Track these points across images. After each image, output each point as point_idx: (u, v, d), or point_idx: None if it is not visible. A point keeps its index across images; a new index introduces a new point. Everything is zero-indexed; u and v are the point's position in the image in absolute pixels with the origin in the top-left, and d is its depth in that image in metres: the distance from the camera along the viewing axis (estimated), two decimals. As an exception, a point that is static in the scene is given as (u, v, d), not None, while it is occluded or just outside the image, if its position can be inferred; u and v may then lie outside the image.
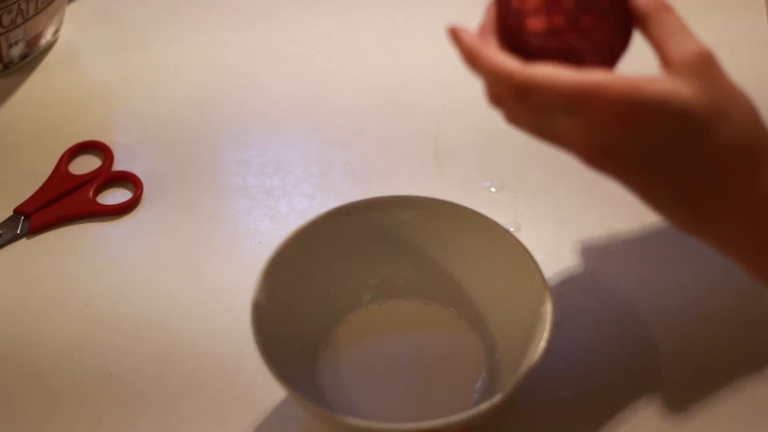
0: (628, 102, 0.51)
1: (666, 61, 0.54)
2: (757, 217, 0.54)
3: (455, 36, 0.56)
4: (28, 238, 0.85)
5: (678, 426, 0.71)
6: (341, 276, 0.76)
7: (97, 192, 0.88)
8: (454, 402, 0.71)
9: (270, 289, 0.71)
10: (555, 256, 0.81)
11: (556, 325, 0.69)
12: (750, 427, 0.71)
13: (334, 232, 0.75)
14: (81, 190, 0.88)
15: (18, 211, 0.87)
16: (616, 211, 0.83)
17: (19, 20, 0.95)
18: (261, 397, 0.73)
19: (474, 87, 0.96)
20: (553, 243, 0.82)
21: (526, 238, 0.74)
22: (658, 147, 0.52)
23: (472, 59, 0.56)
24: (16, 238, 0.85)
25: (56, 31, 1.02)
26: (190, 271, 0.82)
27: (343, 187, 0.88)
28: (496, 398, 0.65)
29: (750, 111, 0.55)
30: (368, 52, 1.00)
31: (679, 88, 0.52)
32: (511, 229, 0.73)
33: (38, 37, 0.99)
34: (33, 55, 1.00)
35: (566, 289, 0.78)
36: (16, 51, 0.98)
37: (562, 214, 0.84)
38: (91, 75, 1.01)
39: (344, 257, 0.76)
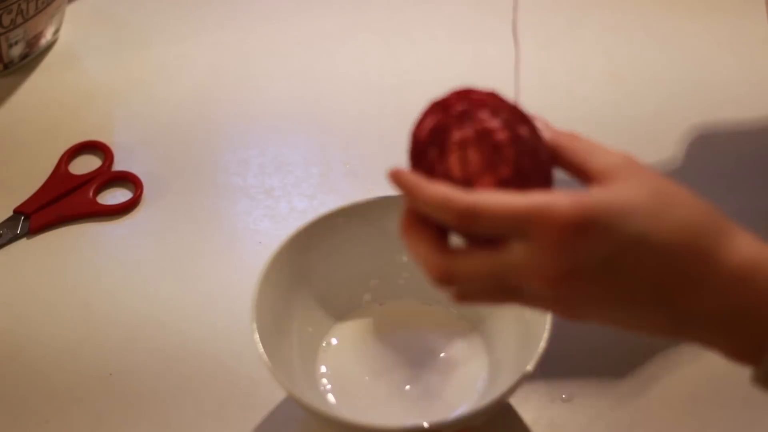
0: (575, 215, 0.51)
1: (590, 176, 0.54)
2: (729, 295, 0.53)
3: (396, 177, 0.55)
4: (28, 238, 0.85)
5: (678, 426, 0.71)
6: (341, 276, 0.76)
7: (97, 192, 0.88)
8: (454, 402, 0.71)
9: (270, 289, 0.71)
10: (555, 256, 0.80)
11: (556, 326, 0.69)
12: (750, 427, 0.71)
13: (334, 232, 0.75)
14: (81, 190, 0.88)
15: (18, 211, 0.87)
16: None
17: (19, 20, 0.95)
18: (261, 397, 0.73)
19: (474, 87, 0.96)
20: (553, 243, 0.82)
21: (526, 238, 0.74)
22: (616, 253, 0.52)
23: (415, 192, 0.54)
24: (16, 238, 0.85)
25: (56, 31, 1.02)
26: (190, 271, 0.82)
27: (343, 187, 0.88)
28: (496, 398, 0.65)
29: (689, 194, 0.54)
30: (368, 52, 1.00)
31: (618, 191, 0.52)
32: (511, 229, 0.73)
33: (38, 37, 0.99)
34: (33, 55, 1.00)
35: (566, 289, 0.78)
36: (16, 51, 0.98)
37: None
38: (91, 75, 1.01)
39: (344, 257, 0.76)
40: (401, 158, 0.90)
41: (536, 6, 1.03)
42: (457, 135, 0.54)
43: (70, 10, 1.04)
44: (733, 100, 0.93)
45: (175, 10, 1.06)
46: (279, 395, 0.73)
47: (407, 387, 0.72)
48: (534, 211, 0.51)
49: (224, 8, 1.06)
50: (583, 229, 0.51)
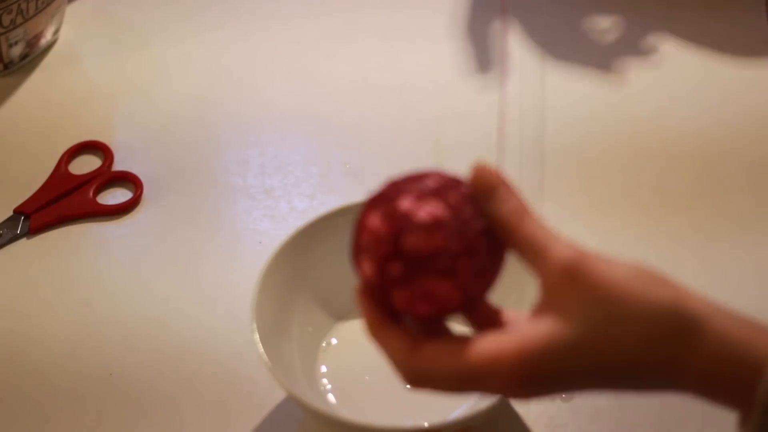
0: (522, 369, 0.49)
1: (539, 286, 0.52)
2: (705, 385, 0.51)
3: (360, 301, 0.54)
4: (28, 238, 0.85)
5: (678, 426, 0.71)
6: (341, 276, 0.76)
7: (97, 192, 0.88)
8: (454, 402, 0.71)
9: (270, 289, 0.71)
10: (555, 256, 0.80)
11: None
12: (750, 427, 0.71)
13: (334, 232, 0.75)
14: (81, 190, 0.88)
15: (18, 211, 0.87)
16: (616, 211, 0.83)
17: (19, 20, 0.95)
18: (261, 397, 0.73)
19: (474, 88, 0.97)
20: (553, 243, 0.82)
21: (526, 238, 0.74)
22: (570, 380, 0.51)
23: (370, 334, 0.55)
24: (16, 238, 0.85)
25: (56, 31, 1.02)
26: (190, 271, 0.82)
27: (343, 187, 0.88)
28: (496, 398, 0.65)
29: (637, 304, 0.50)
30: (368, 52, 1.00)
31: (557, 327, 0.50)
32: (511, 229, 0.73)
33: (38, 37, 0.99)
34: (33, 55, 1.00)
35: (566, 289, 0.78)
36: (16, 51, 0.98)
37: (562, 214, 0.84)
38: (91, 75, 1.01)
39: (344, 257, 0.75)
40: (401, 158, 0.90)
41: (537, 6, 1.03)
42: (395, 300, 0.53)
43: (70, 10, 1.04)
44: (733, 100, 0.93)
45: (175, 10, 1.06)
46: (279, 395, 0.73)
47: (407, 387, 0.72)
48: (479, 371, 0.50)
49: (224, 8, 1.06)
50: (529, 377, 0.50)
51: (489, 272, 0.53)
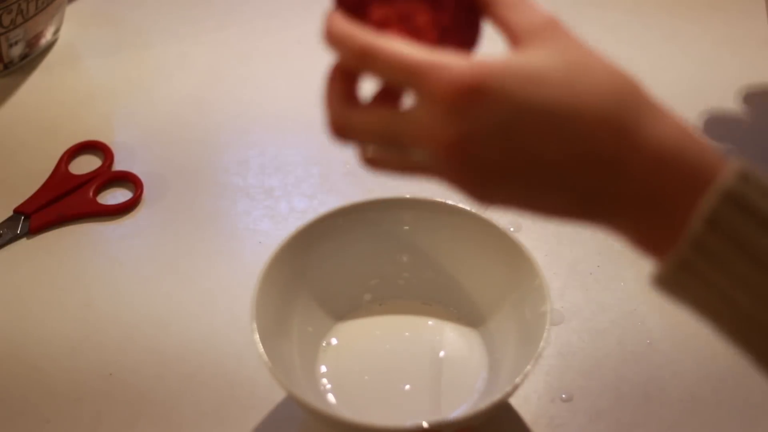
0: (471, 77, 0.48)
1: (513, 37, 0.51)
2: (647, 178, 0.48)
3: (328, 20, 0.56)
4: (28, 238, 0.86)
5: (678, 426, 0.71)
6: (341, 276, 0.76)
7: (97, 192, 0.88)
8: (454, 402, 0.71)
9: (270, 289, 0.71)
10: (555, 256, 0.81)
11: (556, 325, 0.69)
12: (750, 427, 0.71)
13: (334, 232, 0.75)
14: (81, 190, 0.88)
15: (18, 211, 0.87)
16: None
17: (19, 20, 0.95)
18: (261, 397, 0.73)
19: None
20: (553, 243, 0.82)
21: (526, 238, 0.74)
22: (514, 119, 0.48)
23: (327, 25, 0.56)
24: (16, 238, 0.85)
25: (56, 31, 1.02)
26: (190, 271, 0.82)
27: (343, 187, 0.88)
28: (496, 398, 0.66)
29: (610, 65, 0.50)
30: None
31: (527, 57, 0.49)
32: (512, 229, 0.73)
33: (38, 37, 0.99)
34: (33, 55, 1.00)
35: (566, 289, 0.78)
36: (16, 51, 0.98)
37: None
38: (91, 75, 1.01)
39: (344, 257, 0.76)
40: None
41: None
42: (372, 14, 0.53)
43: (70, 10, 1.04)
44: (733, 101, 0.93)
45: (175, 10, 1.06)
46: (279, 395, 0.73)
47: (407, 387, 0.72)
48: (428, 65, 0.49)
49: (224, 8, 1.06)
50: (478, 91, 0.48)
51: (468, 30, 0.53)
